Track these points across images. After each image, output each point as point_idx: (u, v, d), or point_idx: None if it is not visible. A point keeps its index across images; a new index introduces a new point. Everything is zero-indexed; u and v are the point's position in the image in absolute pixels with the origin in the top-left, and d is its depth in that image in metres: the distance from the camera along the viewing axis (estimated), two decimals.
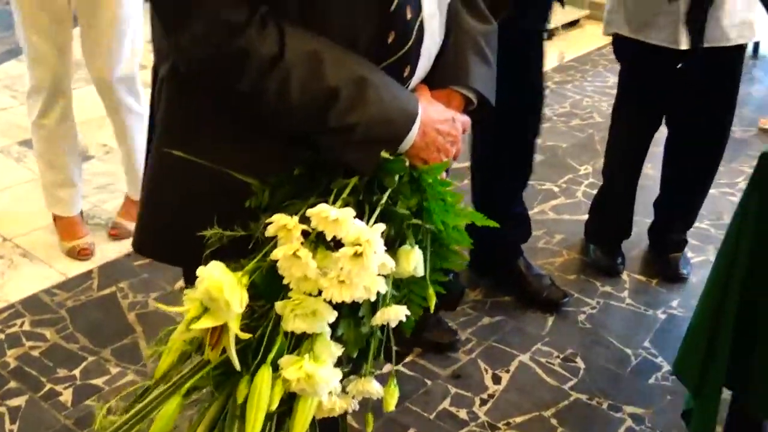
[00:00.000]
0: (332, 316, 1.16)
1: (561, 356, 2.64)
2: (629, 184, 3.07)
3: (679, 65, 2.75)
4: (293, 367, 1.15)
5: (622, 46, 2.83)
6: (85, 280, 2.90)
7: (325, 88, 1.18)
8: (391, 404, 1.29)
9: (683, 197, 3.07)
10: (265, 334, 1.19)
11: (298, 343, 1.19)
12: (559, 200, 3.56)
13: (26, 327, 2.67)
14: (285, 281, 1.17)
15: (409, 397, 2.43)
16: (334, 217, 1.11)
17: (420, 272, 1.25)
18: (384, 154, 1.22)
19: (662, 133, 3.00)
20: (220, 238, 1.24)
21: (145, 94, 2.42)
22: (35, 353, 2.56)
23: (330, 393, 1.20)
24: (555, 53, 5.20)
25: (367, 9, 1.20)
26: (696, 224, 3.20)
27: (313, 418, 1.20)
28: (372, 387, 1.25)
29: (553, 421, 2.38)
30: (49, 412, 2.34)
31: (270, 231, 1.17)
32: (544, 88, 2.80)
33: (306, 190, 1.24)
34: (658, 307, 2.91)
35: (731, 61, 2.75)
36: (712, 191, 3.45)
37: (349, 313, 1.21)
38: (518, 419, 2.38)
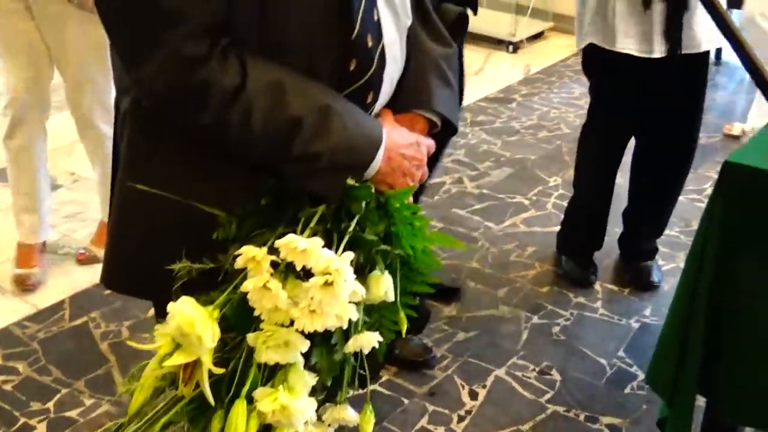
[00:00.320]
0: (305, 345, 1.17)
1: (537, 369, 2.65)
2: (602, 196, 3.09)
3: (654, 75, 2.79)
4: (268, 399, 1.15)
5: (594, 58, 2.85)
6: (56, 311, 2.87)
7: (288, 118, 1.19)
8: (368, 430, 1.29)
9: (652, 206, 3.10)
10: (238, 367, 1.18)
11: (272, 374, 1.19)
12: (530, 213, 3.58)
13: None
14: (256, 312, 1.17)
15: (387, 416, 2.43)
16: (302, 247, 1.12)
17: (390, 297, 1.26)
18: (350, 181, 1.22)
19: (631, 142, 3.03)
20: (189, 272, 1.23)
21: None
22: (8, 387, 2.53)
23: (306, 422, 1.20)
24: (521, 66, 5.25)
25: (328, 38, 1.21)
26: (666, 232, 3.23)
27: None
28: (348, 414, 1.26)
29: None
30: None
31: (239, 263, 1.17)
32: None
33: (273, 220, 1.24)
34: (631, 317, 2.93)
35: (699, 67, 2.78)
36: (680, 198, 3.49)
37: (322, 341, 1.22)
38: None
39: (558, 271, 3.17)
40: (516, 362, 2.68)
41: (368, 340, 1.21)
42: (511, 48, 5.47)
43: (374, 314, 1.28)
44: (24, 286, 3.01)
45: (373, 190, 1.25)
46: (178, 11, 1.11)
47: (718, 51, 5.27)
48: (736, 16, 3.73)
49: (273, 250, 1.16)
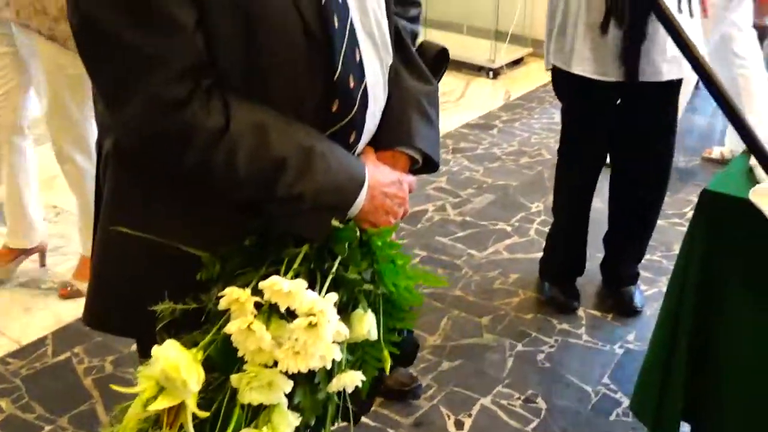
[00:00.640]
0: (288, 386, 1.17)
1: (522, 397, 2.65)
2: (578, 222, 3.11)
3: (618, 101, 2.82)
4: None
5: (561, 80, 2.89)
6: (39, 347, 2.85)
7: (272, 159, 1.19)
8: None
9: (630, 232, 3.12)
10: (221, 408, 1.19)
11: (256, 414, 1.19)
12: (513, 239, 3.59)
13: None
14: (240, 353, 1.17)
15: None
16: (287, 289, 1.12)
17: (374, 335, 1.26)
18: (334, 223, 1.23)
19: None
20: (172, 312, 1.24)
21: None
22: None
23: None
24: (501, 92, 5.28)
25: (311, 79, 1.22)
26: (647, 256, 3.25)
27: None
28: None
29: None
30: None
31: (223, 304, 1.17)
32: None
33: (257, 260, 1.25)
34: (615, 342, 2.94)
35: (667, 95, 2.80)
36: (661, 222, 3.51)
37: (305, 381, 1.22)
38: None
39: (541, 298, 3.18)
40: (501, 391, 2.68)
41: (351, 379, 1.22)
42: (491, 74, 5.51)
43: (357, 352, 1.29)
44: None
45: (357, 233, 1.25)
46: (160, 55, 1.11)
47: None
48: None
49: (257, 291, 1.16)
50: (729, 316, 1.99)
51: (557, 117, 4.79)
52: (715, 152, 4.39)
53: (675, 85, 2.77)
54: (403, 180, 1.36)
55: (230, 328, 1.15)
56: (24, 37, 2.84)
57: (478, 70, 5.54)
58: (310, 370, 1.17)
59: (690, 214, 3.51)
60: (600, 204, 3.36)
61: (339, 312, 1.19)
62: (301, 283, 1.14)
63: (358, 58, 1.27)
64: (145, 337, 1.25)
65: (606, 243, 3.20)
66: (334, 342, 1.16)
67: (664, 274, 3.29)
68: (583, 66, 2.72)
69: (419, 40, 2.13)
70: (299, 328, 1.12)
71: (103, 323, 1.44)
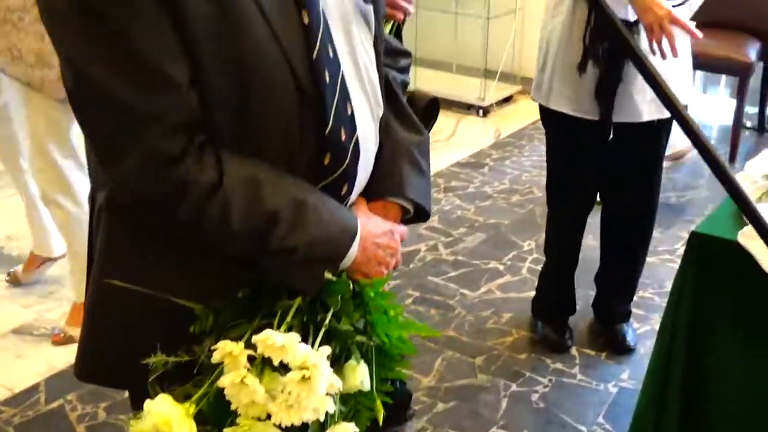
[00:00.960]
0: None
1: None
2: (568, 260, 3.13)
3: (605, 139, 2.87)
4: None
5: (545, 116, 2.94)
6: (32, 394, 2.84)
7: (265, 212, 1.21)
8: None
9: (620, 269, 3.14)
10: None
11: None
12: (505, 278, 3.60)
13: None
14: (233, 407, 1.17)
15: None
16: (280, 343, 1.13)
17: (366, 386, 1.27)
18: (327, 275, 1.24)
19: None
20: (165, 363, 1.24)
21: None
22: None
23: None
24: (491, 130, 5.32)
25: (302, 133, 1.24)
26: (639, 293, 3.26)
27: None
28: None
29: None
30: None
31: (216, 358, 1.18)
32: None
33: (250, 312, 1.25)
34: (609, 381, 2.94)
35: (650, 135, 2.82)
36: (652, 259, 3.54)
37: None
38: None
39: (534, 337, 3.18)
40: None
41: (345, 431, 1.22)
42: (481, 112, 5.56)
43: (350, 402, 1.29)
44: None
45: (350, 286, 1.26)
46: (154, 112, 1.12)
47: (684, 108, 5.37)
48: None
49: (250, 344, 1.17)
50: (720, 356, 2.00)
51: None
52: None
53: (658, 125, 2.80)
54: (394, 230, 1.37)
55: (223, 381, 1.15)
56: (13, 83, 2.90)
57: (468, 108, 5.58)
58: (303, 423, 1.18)
59: (681, 251, 3.53)
60: (593, 242, 3.38)
61: (332, 363, 1.19)
62: (295, 336, 1.15)
63: (349, 112, 1.28)
64: (137, 388, 1.26)
65: (597, 280, 3.21)
66: (327, 394, 1.16)
67: (656, 311, 3.30)
68: (560, 104, 2.78)
69: (414, 74, 2.17)
70: (292, 382, 1.13)
71: (95, 375, 1.44)
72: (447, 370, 2.98)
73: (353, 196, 1.36)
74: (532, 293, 3.29)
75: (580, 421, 2.73)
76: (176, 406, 1.14)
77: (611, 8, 1.04)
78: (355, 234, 1.28)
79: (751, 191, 1.97)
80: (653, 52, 2.49)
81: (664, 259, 3.76)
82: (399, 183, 1.42)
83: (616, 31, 1.03)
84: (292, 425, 1.17)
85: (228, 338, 1.19)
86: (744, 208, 1.05)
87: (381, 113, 1.39)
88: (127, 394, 2.69)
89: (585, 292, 3.28)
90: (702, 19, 4.86)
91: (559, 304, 3.20)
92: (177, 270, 1.27)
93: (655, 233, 3.84)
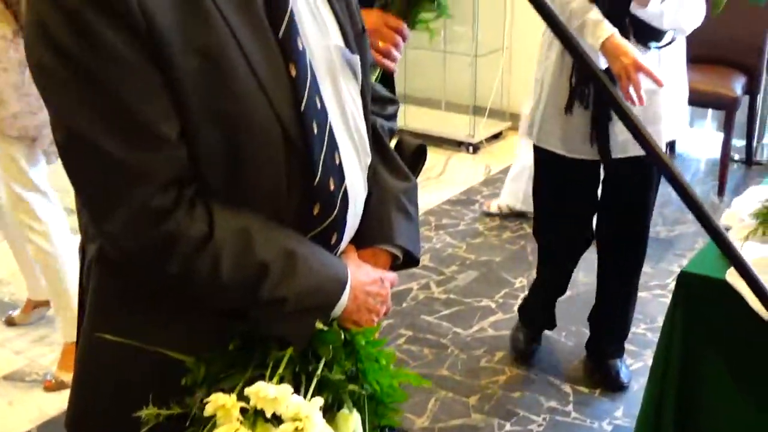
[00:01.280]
0: None
1: None
2: (555, 289, 3.25)
3: (597, 176, 2.94)
4: None
5: (536, 151, 3.00)
6: None
7: (255, 264, 1.21)
8: None
9: (614, 306, 3.16)
10: None
11: None
12: (497, 316, 3.61)
13: None
14: None
15: None
16: (272, 395, 1.13)
17: None
18: (318, 325, 1.25)
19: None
20: (157, 416, 1.24)
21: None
22: None
23: None
24: (481, 167, 5.35)
25: (291, 184, 1.25)
26: (632, 329, 3.26)
27: None
28: None
29: None
30: None
31: (208, 410, 1.18)
32: None
33: (242, 363, 1.26)
34: (603, 419, 2.94)
35: (637, 170, 2.85)
36: (644, 294, 3.56)
37: None
38: None
39: (530, 375, 3.18)
40: None
41: None
42: (470, 149, 5.59)
43: None
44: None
45: (341, 335, 1.27)
46: (145, 168, 1.13)
47: (671, 144, 5.41)
48: None
49: (242, 396, 1.17)
50: (711, 393, 2.01)
51: None
52: (493, 206, 4.57)
53: (645, 160, 2.82)
54: (384, 278, 1.38)
55: None
56: None
57: (458, 145, 5.62)
58: None
59: (672, 285, 3.55)
60: (586, 278, 3.41)
61: (324, 412, 1.19)
62: (287, 388, 1.15)
63: (337, 162, 1.30)
64: None
65: (591, 320, 3.22)
66: None
67: (649, 347, 3.31)
68: (550, 143, 2.85)
69: (404, 112, 2.19)
70: None
71: (86, 428, 1.43)
72: (441, 411, 2.97)
73: (343, 245, 1.37)
74: None
75: None
76: None
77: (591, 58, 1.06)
78: (345, 283, 1.29)
79: (738, 229, 1.99)
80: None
81: (655, 294, 3.77)
82: (388, 230, 1.43)
83: (598, 81, 1.06)
84: None
85: (220, 390, 1.19)
86: (725, 251, 1.06)
87: (369, 162, 1.41)
88: None
89: (578, 328, 3.29)
90: (689, 54, 4.94)
91: (538, 319, 3.32)
92: (168, 322, 1.28)
93: (646, 268, 3.86)
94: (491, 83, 5.71)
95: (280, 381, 1.19)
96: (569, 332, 3.43)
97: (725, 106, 4.75)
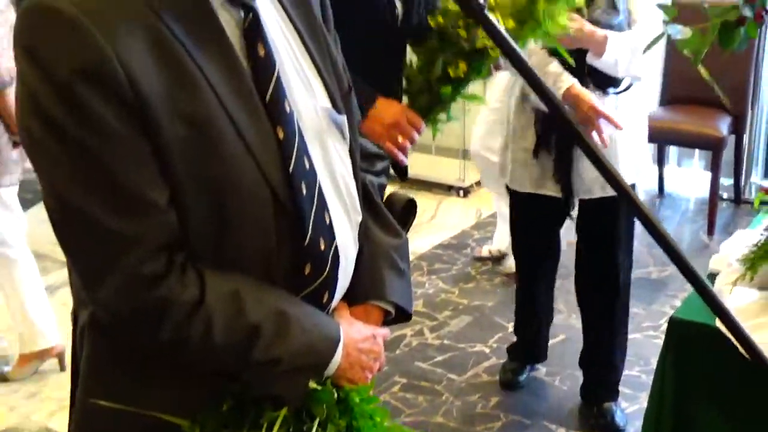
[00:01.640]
0: None
1: None
2: (534, 321, 3.33)
3: (566, 214, 3.05)
4: None
5: (508, 190, 3.12)
6: None
7: (247, 326, 1.22)
8: None
9: (596, 348, 3.18)
10: None
11: None
12: (491, 361, 3.61)
13: None
14: None
15: None
16: None
17: None
18: (312, 384, 1.25)
19: None
20: None
21: None
22: None
23: None
24: (472, 210, 5.37)
25: (282, 246, 1.26)
26: (626, 371, 3.26)
27: None
28: None
29: None
30: None
31: None
32: None
33: (236, 424, 1.26)
34: None
35: (608, 210, 2.93)
36: (637, 336, 3.57)
37: None
38: None
39: (526, 422, 3.18)
40: None
41: None
42: (461, 193, 5.62)
43: None
44: None
45: (334, 395, 1.28)
46: (135, 236, 1.14)
47: (661, 183, 5.46)
48: None
49: None
50: None
51: None
52: (484, 251, 4.61)
53: (615, 200, 2.89)
54: (377, 334, 1.39)
55: None
56: None
57: (448, 189, 5.65)
58: None
59: (664, 326, 3.56)
60: (578, 322, 3.41)
61: None
62: None
63: (327, 221, 1.31)
64: None
65: (581, 361, 3.23)
66: None
67: (644, 389, 3.30)
68: (519, 184, 2.99)
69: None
70: None
71: None
72: None
73: (335, 302, 1.38)
74: None
75: None
76: None
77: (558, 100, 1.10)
78: (338, 342, 1.30)
79: (727, 274, 2.00)
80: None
81: (648, 336, 3.78)
82: (380, 286, 1.45)
83: (566, 124, 1.08)
84: None
85: None
86: (708, 301, 1.08)
87: (359, 219, 1.42)
88: None
89: (573, 372, 3.29)
90: (673, 95, 5.01)
91: (523, 349, 3.39)
92: (161, 386, 1.28)
93: (638, 309, 3.89)
94: None
95: None
96: (564, 376, 3.43)
97: (712, 147, 4.80)
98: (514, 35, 2.03)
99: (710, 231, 4.86)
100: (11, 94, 2.92)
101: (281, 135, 1.24)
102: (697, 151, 5.53)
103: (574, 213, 3.05)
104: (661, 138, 4.96)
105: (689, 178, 5.59)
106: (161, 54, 1.12)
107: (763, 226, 2.02)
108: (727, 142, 4.83)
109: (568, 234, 3.24)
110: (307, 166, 1.28)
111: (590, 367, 3.20)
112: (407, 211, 1.60)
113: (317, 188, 1.30)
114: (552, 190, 2.92)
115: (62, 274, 3.87)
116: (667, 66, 5.02)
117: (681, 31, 1.71)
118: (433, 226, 5.13)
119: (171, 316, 1.18)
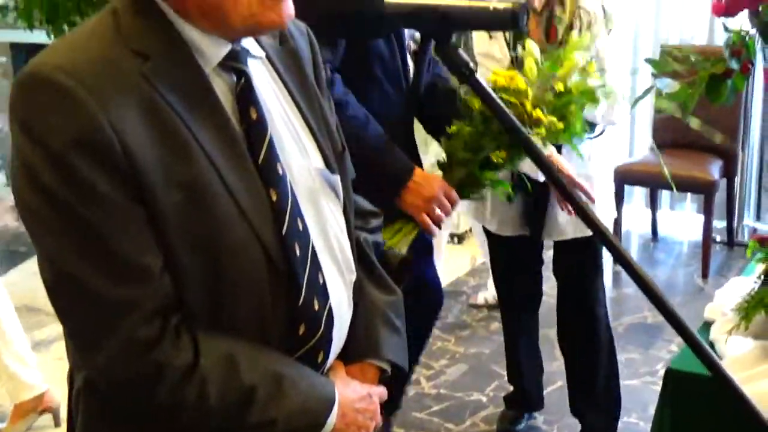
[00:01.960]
0: None
1: None
2: (520, 362, 3.32)
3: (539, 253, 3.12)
4: None
5: (485, 230, 3.15)
6: None
7: (242, 388, 1.22)
8: None
9: (582, 395, 3.17)
10: None
11: None
12: (489, 410, 3.58)
13: None
14: None
15: None
16: None
17: None
18: None
19: None
20: None
21: None
22: None
23: None
24: (467, 257, 5.37)
25: (275, 307, 1.26)
26: (624, 419, 3.24)
27: None
28: None
29: None
30: None
31: None
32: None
33: None
34: None
35: (582, 250, 2.97)
36: (633, 382, 3.56)
37: None
38: None
39: None
40: None
41: None
42: (455, 239, 5.62)
43: None
44: None
45: None
46: (130, 301, 1.15)
47: (654, 226, 5.47)
48: None
49: None
50: None
51: None
52: (480, 298, 4.62)
53: (588, 241, 2.93)
54: (372, 393, 1.39)
55: None
56: None
57: None
58: None
59: (662, 372, 3.54)
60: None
61: None
62: None
63: (321, 281, 1.32)
64: None
65: (572, 408, 3.22)
66: None
67: None
68: (494, 226, 3.04)
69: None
70: None
71: None
72: None
73: (330, 362, 1.38)
74: None
75: None
76: None
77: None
78: (333, 402, 1.30)
79: (722, 323, 2.01)
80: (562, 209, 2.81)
81: (646, 382, 3.76)
82: (375, 344, 1.45)
83: (544, 171, 1.10)
84: None
85: None
86: (699, 354, 1.08)
87: (353, 278, 1.43)
88: None
89: (570, 420, 3.27)
90: (663, 140, 5.04)
91: (519, 398, 3.38)
92: None
93: (635, 355, 3.89)
94: None
95: None
96: (562, 424, 3.40)
97: (704, 190, 4.82)
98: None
99: (704, 274, 4.87)
100: None
101: (274, 197, 1.25)
102: (689, 194, 5.55)
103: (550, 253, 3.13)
104: (653, 182, 4.99)
105: (682, 221, 5.61)
106: (155, 122, 1.14)
107: (756, 274, 2.03)
108: (719, 185, 4.85)
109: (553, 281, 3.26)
110: (301, 227, 1.29)
111: (582, 416, 3.18)
112: (402, 268, 1.61)
113: (310, 249, 1.30)
114: (512, 230, 2.98)
115: (57, 328, 3.85)
116: (655, 111, 5.06)
117: (669, 85, 1.73)
118: None
119: (166, 381, 1.18)
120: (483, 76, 1.74)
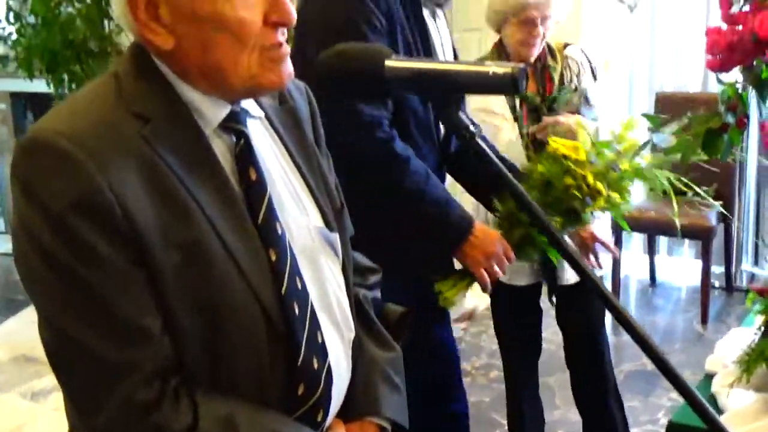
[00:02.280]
0: None
1: None
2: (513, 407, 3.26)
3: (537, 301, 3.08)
4: None
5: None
6: None
7: None
8: None
9: None
10: None
11: None
12: None
13: None
14: None
15: None
16: None
17: None
18: None
19: None
20: None
21: None
22: None
23: None
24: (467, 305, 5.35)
25: (274, 366, 1.26)
26: None
27: None
28: None
29: None
30: None
31: None
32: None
33: None
34: None
35: (579, 297, 2.96)
36: (635, 431, 3.52)
37: None
38: None
39: None
40: None
41: None
42: None
43: None
44: None
45: None
46: (130, 363, 1.15)
47: (653, 273, 5.47)
48: None
49: None
50: None
51: None
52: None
53: (586, 287, 2.89)
54: None
55: None
56: None
57: None
58: None
59: (664, 420, 3.52)
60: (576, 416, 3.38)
61: None
62: None
63: (320, 340, 1.31)
64: None
65: None
66: None
67: None
68: (505, 275, 2.94)
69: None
70: None
71: None
72: None
73: (329, 420, 1.38)
74: None
75: None
76: None
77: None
78: None
79: (723, 375, 2.00)
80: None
81: (646, 430, 3.73)
82: (375, 402, 1.44)
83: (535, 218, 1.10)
84: None
85: None
86: (698, 411, 1.07)
87: (352, 336, 1.42)
88: None
89: None
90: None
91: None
92: None
93: (635, 403, 3.86)
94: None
95: None
96: None
97: (701, 236, 4.82)
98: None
99: (704, 320, 4.85)
100: None
101: (273, 257, 1.26)
102: (686, 240, 5.56)
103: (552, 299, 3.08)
104: (650, 229, 4.99)
105: (680, 267, 5.61)
106: (155, 184, 1.15)
107: (756, 325, 2.02)
108: (716, 231, 4.86)
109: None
110: (299, 285, 1.29)
111: None
112: (401, 323, 1.60)
113: (309, 308, 1.31)
114: (527, 279, 2.94)
115: (54, 379, 3.82)
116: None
117: (666, 140, 1.75)
118: None
119: None
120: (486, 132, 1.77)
